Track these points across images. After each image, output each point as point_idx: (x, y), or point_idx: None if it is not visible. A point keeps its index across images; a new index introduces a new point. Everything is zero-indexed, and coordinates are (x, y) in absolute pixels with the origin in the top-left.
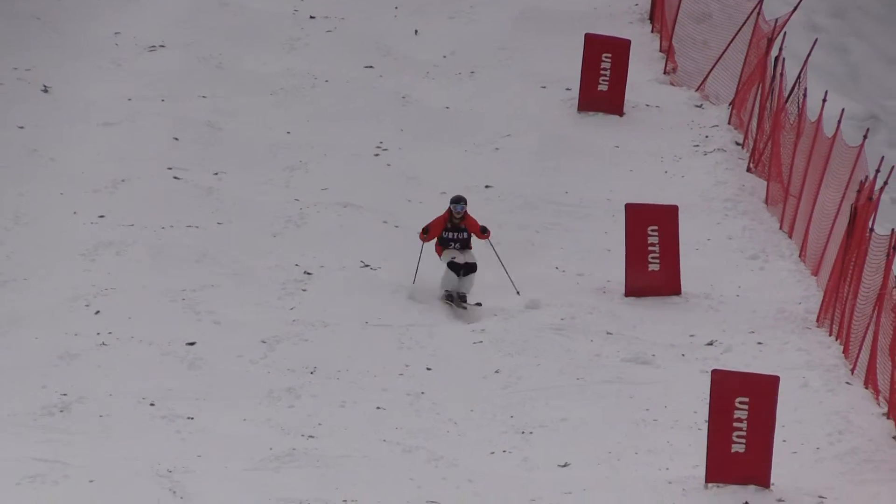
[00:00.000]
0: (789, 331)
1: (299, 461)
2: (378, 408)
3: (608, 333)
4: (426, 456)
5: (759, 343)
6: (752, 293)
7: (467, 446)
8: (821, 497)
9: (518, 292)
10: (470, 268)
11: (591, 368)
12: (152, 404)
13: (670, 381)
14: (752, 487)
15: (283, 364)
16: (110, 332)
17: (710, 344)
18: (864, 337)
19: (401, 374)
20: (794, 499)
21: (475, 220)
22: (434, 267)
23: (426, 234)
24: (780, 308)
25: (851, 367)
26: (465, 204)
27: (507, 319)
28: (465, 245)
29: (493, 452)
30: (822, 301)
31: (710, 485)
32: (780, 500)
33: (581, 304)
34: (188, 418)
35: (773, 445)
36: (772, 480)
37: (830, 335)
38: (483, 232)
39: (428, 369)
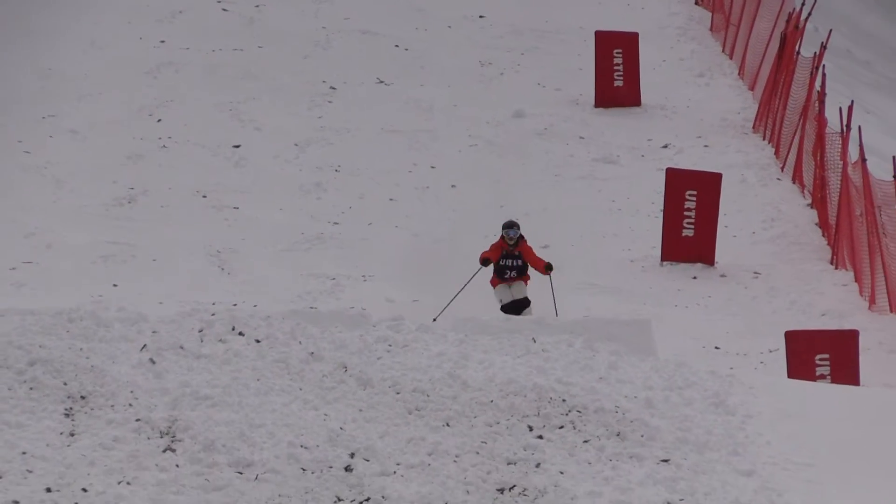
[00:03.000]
0: (730, 136)
1: (326, 243)
2: (391, 199)
3: (581, 138)
4: (431, 239)
5: (706, 146)
6: (700, 105)
7: (465, 230)
8: (756, 273)
9: (556, 314)
10: (522, 304)
11: (567, 167)
12: (204, 196)
13: (632, 177)
14: (699, 265)
15: (312, 163)
16: (170, 137)
17: (665, 147)
18: (791, 140)
19: (409, 171)
20: (734, 274)
21: (532, 250)
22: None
23: (486, 263)
24: (722, 117)
25: (781, 165)
26: (518, 229)
27: (497, 126)
28: (521, 272)
29: (486, 236)
30: (757, 111)
31: (664, 263)
32: (722, 276)
33: (558, 113)
34: (234, 208)
35: (717, 230)
36: (716, 259)
37: (764, 139)
38: (547, 269)
39: (432, 167)
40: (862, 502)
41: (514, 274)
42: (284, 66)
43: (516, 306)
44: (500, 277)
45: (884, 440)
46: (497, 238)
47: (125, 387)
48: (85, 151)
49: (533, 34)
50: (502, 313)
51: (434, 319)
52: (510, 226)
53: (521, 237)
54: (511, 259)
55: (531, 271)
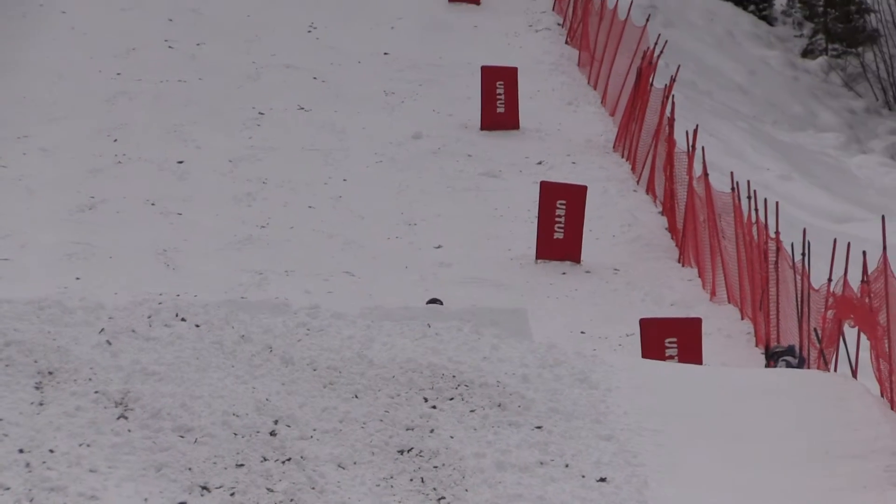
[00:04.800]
0: (594, 155)
1: (255, 244)
2: (310, 206)
3: (469, 156)
4: (343, 241)
5: (573, 163)
6: (569, 128)
7: (372, 233)
8: (615, 269)
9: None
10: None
11: (457, 180)
12: (153, 204)
13: (512, 188)
14: (568, 262)
15: (243, 176)
16: (124, 154)
17: (540, 163)
18: (645, 158)
19: (325, 183)
20: (597, 270)
21: None
22: None
23: None
24: (587, 139)
25: (637, 179)
26: None
27: (399, 145)
28: None
29: (388, 238)
30: (617, 134)
31: (539, 260)
32: (587, 272)
33: (450, 135)
34: (178, 214)
35: (583, 233)
36: (582, 258)
37: (623, 157)
38: None
39: (344, 180)
40: (703, 460)
41: None
42: (221, 94)
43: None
44: None
45: (721, 409)
46: None
47: (86, 364)
48: (53, 166)
49: (429, 68)
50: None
51: None
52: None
53: None
54: None
55: None
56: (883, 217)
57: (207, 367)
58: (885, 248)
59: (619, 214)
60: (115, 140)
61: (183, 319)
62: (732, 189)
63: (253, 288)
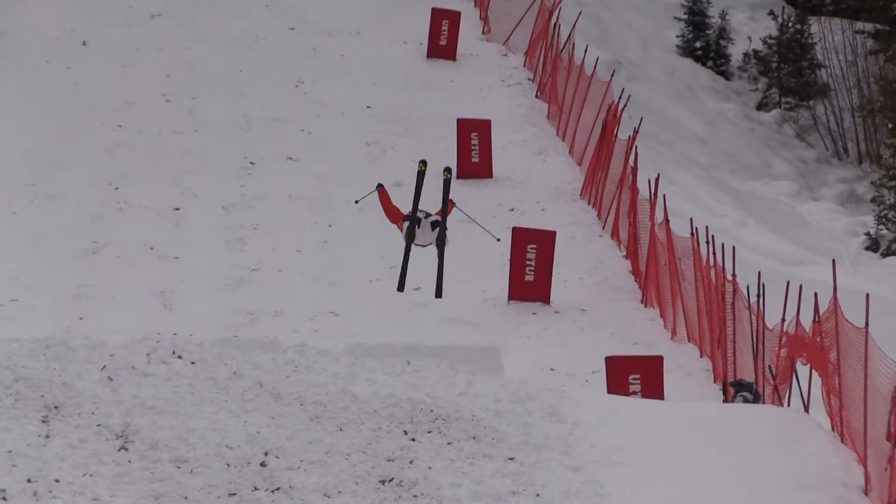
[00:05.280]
0: (562, 202)
1: (246, 286)
2: (297, 251)
3: None
4: (328, 283)
5: (543, 209)
6: (538, 177)
7: (355, 275)
8: (582, 310)
9: (498, 239)
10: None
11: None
12: (151, 248)
13: (485, 234)
14: (538, 303)
15: (236, 222)
16: (125, 202)
17: (512, 210)
18: (610, 205)
19: (311, 229)
20: (565, 311)
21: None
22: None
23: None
24: (556, 187)
25: (602, 225)
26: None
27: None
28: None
29: (370, 280)
30: (584, 182)
31: (511, 301)
32: (556, 312)
33: (427, 183)
34: (175, 257)
35: (552, 276)
36: (551, 299)
37: (589, 204)
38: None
39: (329, 226)
40: (666, 490)
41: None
42: (215, 145)
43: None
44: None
45: (682, 442)
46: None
47: (89, 398)
48: (59, 212)
49: (408, 121)
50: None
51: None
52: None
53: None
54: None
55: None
56: (833, 261)
57: (202, 401)
58: (835, 289)
59: (586, 258)
60: (117, 188)
61: (179, 357)
62: (692, 234)
63: (244, 327)
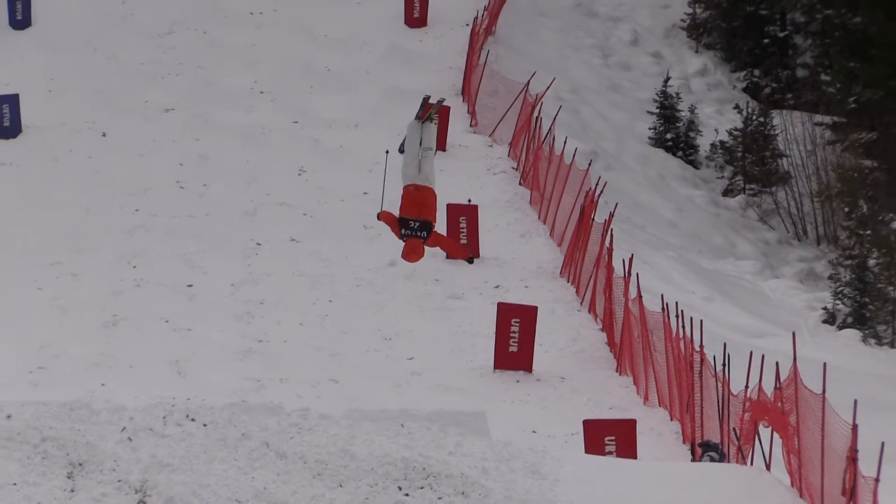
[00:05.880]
0: (544, 279)
1: (253, 356)
2: (300, 324)
3: (436, 280)
4: (329, 353)
5: (526, 287)
6: (522, 257)
7: (354, 346)
8: (562, 377)
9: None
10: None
11: (426, 301)
12: (167, 321)
13: (473, 308)
14: (521, 372)
15: (243, 298)
16: (142, 279)
17: (497, 287)
18: (588, 283)
19: (313, 304)
20: (546, 378)
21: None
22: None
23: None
24: (538, 266)
25: (580, 301)
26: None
27: (377, 272)
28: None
29: (368, 350)
30: (563, 262)
31: (496, 370)
32: (538, 380)
33: (420, 263)
34: (188, 329)
35: (534, 347)
36: (533, 368)
37: (568, 282)
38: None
39: (330, 301)
40: None
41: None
42: (224, 228)
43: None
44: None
45: (654, 498)
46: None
47: (110, 457)
48: (81, 289)
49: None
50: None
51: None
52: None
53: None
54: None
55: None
56: (793, 333)
57: (213, 459)
58: (795, 359)
59: (565, 331)
60: (134, 266)
61: (193, 420)
62: (663, 309)
63: (252, 393)
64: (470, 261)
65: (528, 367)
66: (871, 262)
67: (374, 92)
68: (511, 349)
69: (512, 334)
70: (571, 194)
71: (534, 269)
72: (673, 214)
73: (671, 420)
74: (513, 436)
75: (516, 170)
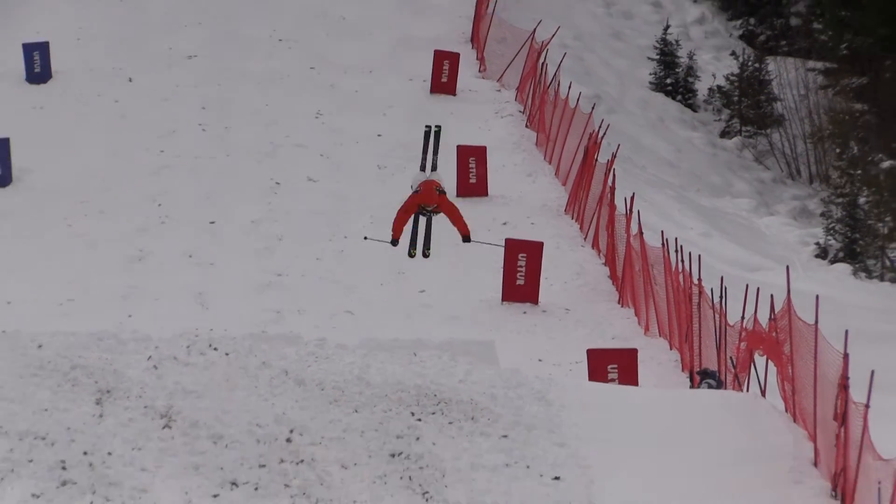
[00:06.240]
0: (549, 217)
1: (273, 288)
2: (317, 259)
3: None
4: (344, 286)
5: (532, 223)
6: (528, 195)
7: (368, 280)
8: (567, 309)
9: (502, 245)
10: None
11: (437, 237)
12: (190, 256)
13: (482, 245)
14: (528, 304)
15: (263, 234)
16: (167, 216)
17: (505, 224)
18: (591, 220)
19: (329, 240)
20: (552, 310)
21: (450, 203)
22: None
23: (395, 244)
24: (543, 204)
25: (584, 237)
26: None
27: (391, 209)
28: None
29: (381, 284)
30: (568, 200)
31: (504, 302)
32: (544, 311)
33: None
34: (210, 264)
35: (540, 281)
36: (539, 300)
37: (572, 219)
38: (465, 240)
39: (345, 237)
40: (639, 464)
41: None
42: (244, 168)
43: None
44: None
45: (654, 423)
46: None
47: (137, 384)
48: (109, 225)
49: (414, 147)
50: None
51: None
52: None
53: (443, 192)
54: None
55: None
56: (787, 267)
57: (235, 387)
58: (788, 291)
59: (570, 265)
60: (160, 205)
61: (215, 349)
62: (662, 244)
63: (272, 324)
64: (466, 240)
65: (534, 300)
66: (862, 199)
67: (387, 39)
68: (518, 282)
69: (519, 268)
70: (575, 136)
71: (539, 207)
72: (672, 155)
73: (671, 349)
74: (520, 364)
75: (523, 113)
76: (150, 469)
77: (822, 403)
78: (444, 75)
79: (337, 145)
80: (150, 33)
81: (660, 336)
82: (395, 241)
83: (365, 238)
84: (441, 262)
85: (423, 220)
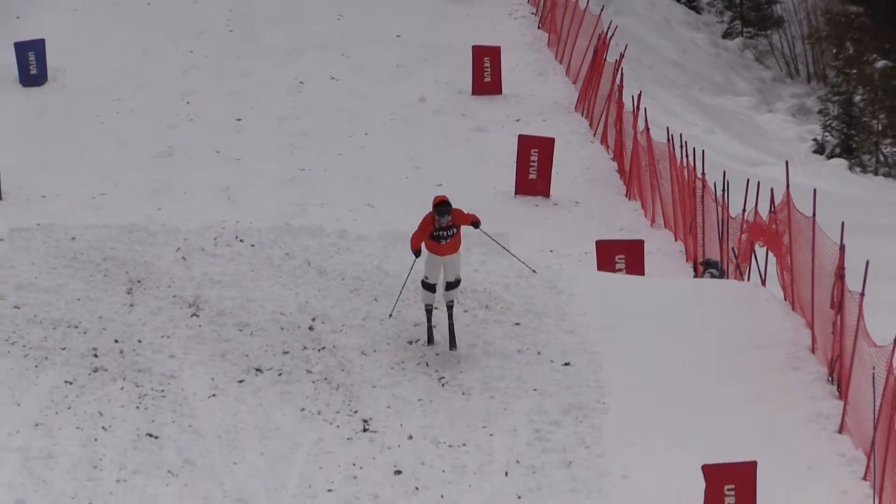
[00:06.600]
0: (560, 114)
1: (297, 183)
2: (339, 154)
3: (462, 115)
4: (365, 180)
5: (544, 120)
6: (540, 93)
7: (387, 174)
8: (576, 202)
9: (534, 271)
10: (451, 285)
11: (453, 133)
12: (218, 152)
13: (496, 140)
14: (540, 198)
15: (288, 131)
16: (196, 114)
17: (518, 120)
18: (600, 117)
19: (351, 136)
20: (562, 203)
21: (461, 212)
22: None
23: (418, 254)
24: (554, 101)
25: (593, 133)
26: (450, 209)
27: (408, 107)
28: (454, 236)
29: (400, 178)
30: (578, 98)
31: (517, 196)
32: (555, 204)
33: (448, 99)
34: (237, 159)
35: (551, 175)
36: (550, 193)
37: (582, 116)
38: (474, 225)
39: (365, 133)
40: (645, 349)
41: (447, 238)
42: (270, 68)
43: (446, 286)
44: (433, 241)
45: (659, 310)
46: (429, 212)
47: (166, 274)
48: (140, 123)
49: (431, 47)
50: (423, 287)
51: (390, 316)
52: (443, 213)
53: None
54: (443, 230)
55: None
56: (786, 162)
57: (260, 277)
58: (787, 185)
59: (580, 160)
60: (188, 102)
61: (241, 241)
62: (668, 140)
63: (295, 216)
64: (475, 225)
65: (545, 193)
66: (857, 98)
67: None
68: (531, 176)
69: (531, 163)
70: (585, 37)
71: (551, 105)
72: (677, 55)
73: (675, 240)
74: (532, 254)
75: (535, 14)
76: (178, 356)
77: (820, 292)
78: None
79: (358, 46)
80: None
81: (665, 228)
82: (417, 252)
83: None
84: (456, 156)
85: (444, 316)
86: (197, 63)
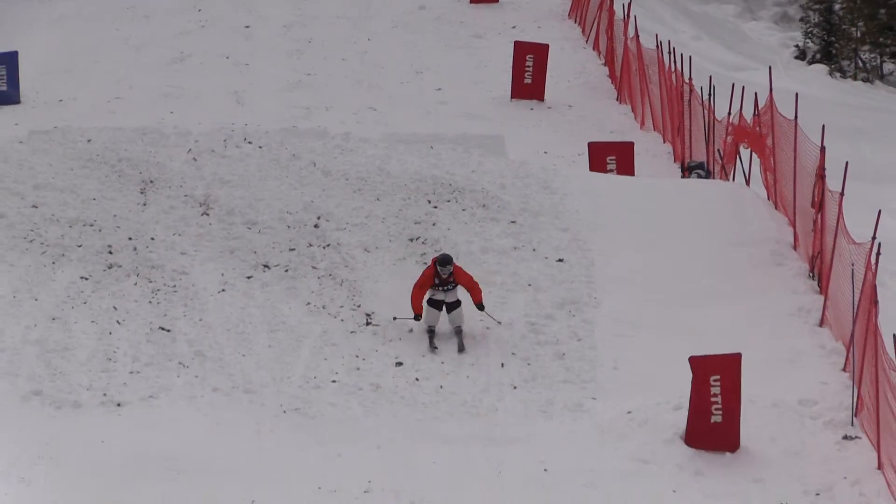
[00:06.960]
0: (554, 21)
1: (303, 87)
2: (342, 59)
3: (461, 22)
4: (367, 84)
5: (539, 27)
6: (535, 1)
7: (389, 79)
8: (570, 105)
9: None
10: (453, 305)
11: (453, 40)
12: (227, 57)
13: (493, 46)
14: (534, 101)
15: (294, 37)
16: (207, 20)
17: (514, 28)
18: (592, 24)
19: (354, 42)
20: (556, 107)
21: (462, 271)
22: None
23: (418, 319)
24: (549, 9)
25: (585, 39)
26: (452, 263)
27: (410, 14)
28: (453, 290)
29: (401, 83)
30: (571, 5)
31: (513, 99)
32: (549, 107)
33: (447, 7)
34: (246, 65)
35: (546, 79)
36: (545, 97)
37: (576, 23)
38: (479, 307)
39: (368, 40)
40: (634, 246)
41: (447, 293)
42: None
43: (448, 305)
44: (431, 298)
45: (648, 209)
46: (429, 265)
47: (178, 175)
48: (154, 29)
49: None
50: (425, 330)
51: (394, 318)
52: (444, 263)
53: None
54: (444, 285)
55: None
56: (769, 67)
57: (267, 177)
58: (770, 89)
59: (573, 65)
60: (199, 10)
61: (249, 142)
62: (657, 46)
63: (301, 119)
64: (479, 307)
65: (540, 97)
66: (837, 6)
67: None
68: (526, 81)
69: (527, 68)
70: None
71: (546, 12)
72: None
73: (664, 142)
74: (527, 156)
75: None
76: (189, 253)
77: (801, 192)
78: None
79: None
80: None
81: (654, 130)
82: (417, 316)
83: (394, 318)
84: (456, 62)
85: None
86: None
